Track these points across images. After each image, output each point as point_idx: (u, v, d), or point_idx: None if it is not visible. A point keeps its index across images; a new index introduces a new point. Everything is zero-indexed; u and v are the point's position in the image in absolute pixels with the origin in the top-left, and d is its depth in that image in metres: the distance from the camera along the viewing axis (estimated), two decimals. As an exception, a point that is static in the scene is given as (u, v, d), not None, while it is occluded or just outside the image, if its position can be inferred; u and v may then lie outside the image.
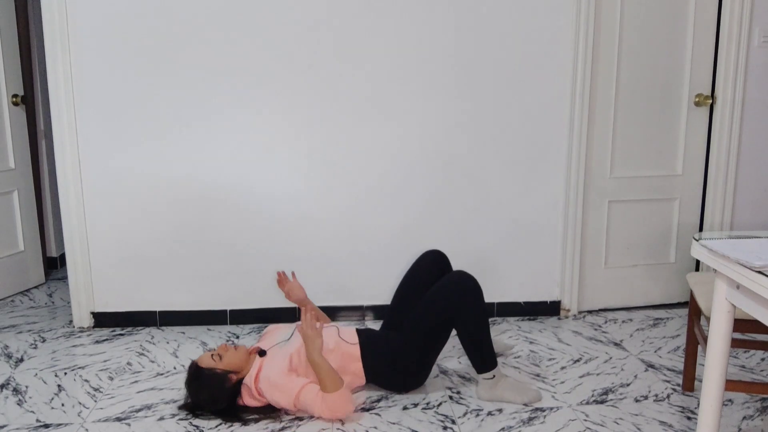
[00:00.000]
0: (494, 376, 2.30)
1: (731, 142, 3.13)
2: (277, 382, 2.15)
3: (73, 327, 3.02)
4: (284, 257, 3.03)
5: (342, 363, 2.28)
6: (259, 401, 2.21)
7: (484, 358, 2.28)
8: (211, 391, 2.17)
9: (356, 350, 2.30)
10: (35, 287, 3.61)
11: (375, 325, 2.99)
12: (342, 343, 2.30)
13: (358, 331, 2.38)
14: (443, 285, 2.26)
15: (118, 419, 2.19)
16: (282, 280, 2.55)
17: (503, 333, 2.96)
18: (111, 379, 2.50)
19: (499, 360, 2.63)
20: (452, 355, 2.70)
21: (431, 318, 2.24)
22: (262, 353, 2.28)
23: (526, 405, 2.28)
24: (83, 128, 2.87)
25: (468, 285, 2.23)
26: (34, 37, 3.65)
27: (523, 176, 3.05)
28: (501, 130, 3.00)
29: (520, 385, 2.32)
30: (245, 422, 2.16)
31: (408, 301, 2.50)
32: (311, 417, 2.18)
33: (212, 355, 2.21)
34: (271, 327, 2.53)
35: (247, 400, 2.21)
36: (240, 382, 2.21)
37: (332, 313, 3.07)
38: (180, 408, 2.25)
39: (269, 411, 2.20)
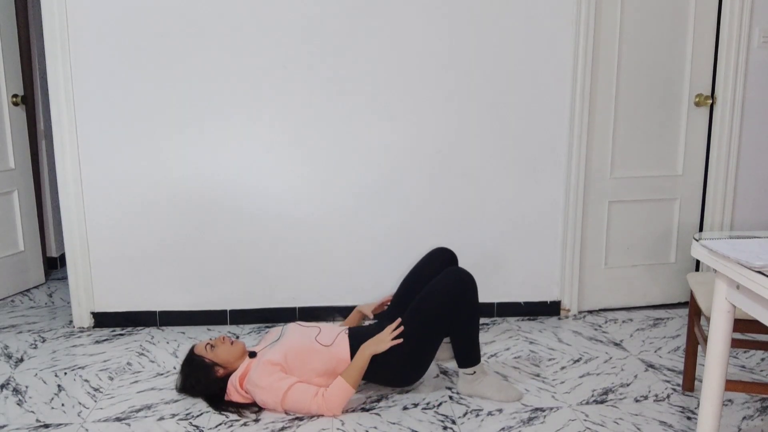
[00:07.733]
0: (475, 372, 2.32)
1: (731, 142, 3.13)
2: (262, 384, 2.17)
3: (73, 327, 3.02)
4: (284, 257, 3.03)
5: (331, 366, 2.26)
6: (246, 399, 2.25)
7: (468, 353, 2.31)
8: (197, 377, 2.27)
9: (345, 352, 2.28)
10: (35, 287, 3.61)
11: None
12: (327, 348, 2.29)
13: (349, 331, 2.36)
14: (443, 278, 2.27)
15: (118, 419, 2.20)
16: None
17: (503, 333, 2.96)
18: (111, 379, 2.50)
19: (483, 359, 2.65)
20: (453, 355, 2.70)
21: (429, 309, 2.25)
22: (252, 355, 2.31)
23: (504, 402, 2.30)
24: (83, 128, 2.87)
25: (467, 281, 2.25)
26: (34, 37, 3.64)
27: (523, 176, 3.05)
28: (501, 130, 3.00)
29: (500, 383, 2.34)
30: (240, 414, 2.21)
31: (413, 293, 2.52)
32: (311, 417, 2.18)
33: (207, 344, 2.29)
34: (272, 330, 2.53)
35: (235, 396, 2.25)
36: (227, 377, 2.27)
37: (331, 313, 3.08)
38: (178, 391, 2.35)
39: (255, 406, 2.24)
